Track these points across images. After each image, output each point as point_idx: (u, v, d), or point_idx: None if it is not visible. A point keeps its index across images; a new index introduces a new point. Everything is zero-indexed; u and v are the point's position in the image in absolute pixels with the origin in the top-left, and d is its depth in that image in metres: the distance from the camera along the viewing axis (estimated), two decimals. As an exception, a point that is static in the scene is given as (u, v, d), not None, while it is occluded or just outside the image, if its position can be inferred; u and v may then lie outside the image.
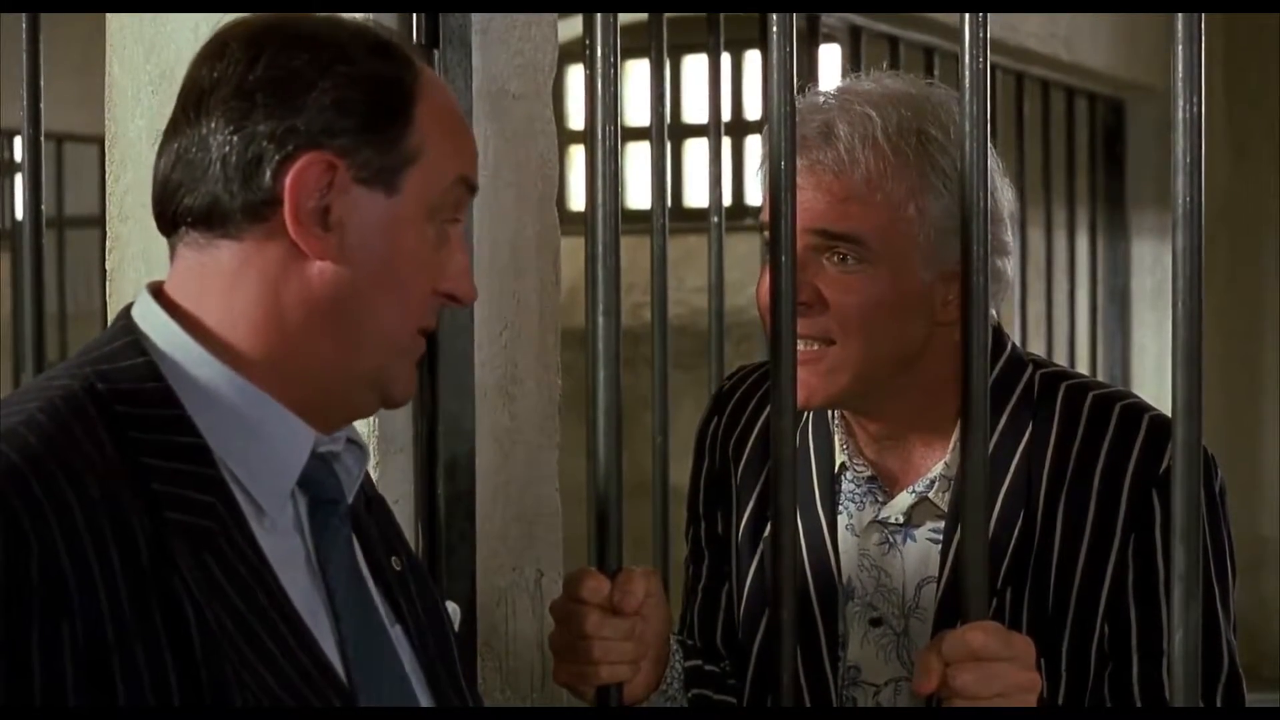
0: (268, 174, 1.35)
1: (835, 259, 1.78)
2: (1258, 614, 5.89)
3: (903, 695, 1.86)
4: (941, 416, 1.85)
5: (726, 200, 2.97)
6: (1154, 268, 5.20)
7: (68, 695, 1.20)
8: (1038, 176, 4.27)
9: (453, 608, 1.62)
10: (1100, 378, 4.33)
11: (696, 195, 7.03)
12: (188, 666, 1.24)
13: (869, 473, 1.89)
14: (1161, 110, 4.85)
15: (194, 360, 1.36)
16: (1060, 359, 4.39)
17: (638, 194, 6.53)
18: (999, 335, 1.89)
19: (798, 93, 1.73)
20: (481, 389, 2.00)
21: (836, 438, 1.91)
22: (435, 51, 1.94)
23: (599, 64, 1.72)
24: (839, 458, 1.90)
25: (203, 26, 1.95)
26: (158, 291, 1.40)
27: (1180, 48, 1.52)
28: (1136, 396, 1.89)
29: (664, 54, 2.69)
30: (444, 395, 1.94)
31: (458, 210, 1.44)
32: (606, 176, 1.73)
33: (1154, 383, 5.01)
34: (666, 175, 2.71)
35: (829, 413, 1.92)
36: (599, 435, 1.73)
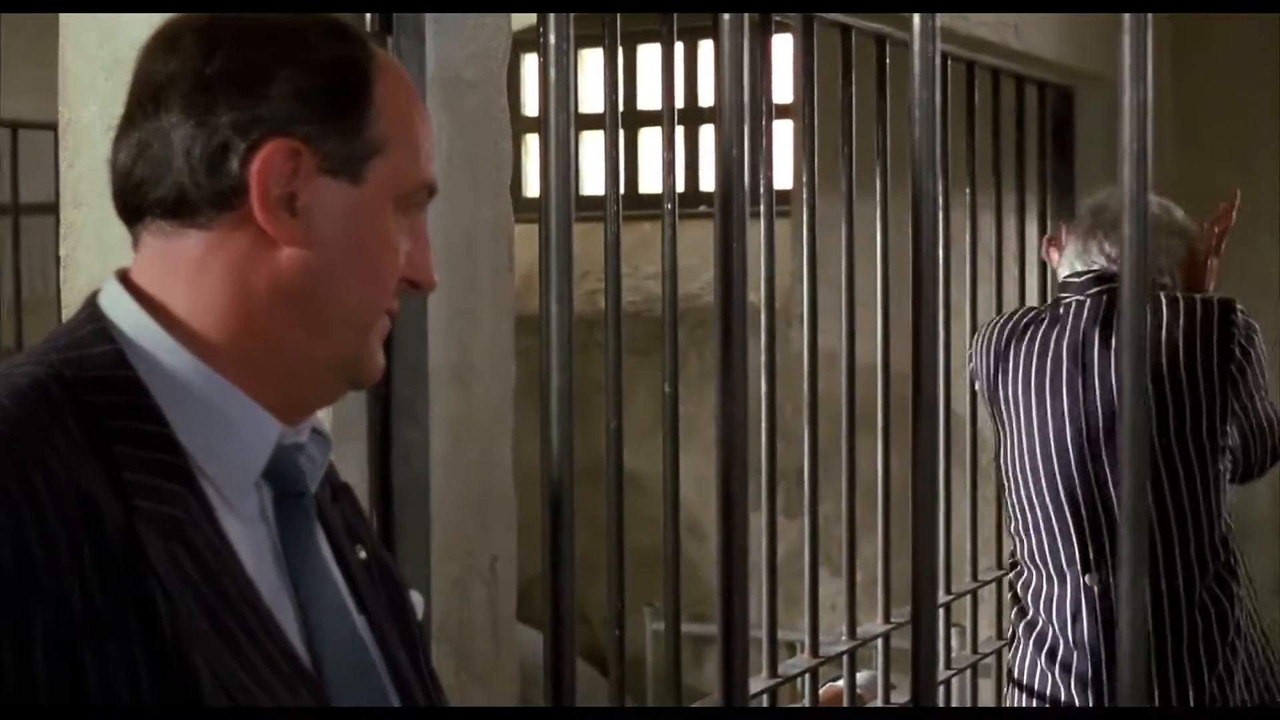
0: (234, 162, 1.35)
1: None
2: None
3: None
4: None
5: (680, 187, 2.98)
6: (1104, 254, 5.21)
7: (39, 684, 1.20)
8: (988, 163, 4.30)
9: (417, 597, 1.62)
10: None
11: (652, 182, 7.04)
12: (158, 656, 1.24)
13: None
14: (1110, 98, 4.87)
15: (162, 349, 1.35)
16: (1011, 345, 4.43)
17: (594, 181, 6.54)
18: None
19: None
20: (436, 375, 2.01)
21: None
22: (389, 38, 1.95)
23: (552, 52, 1.73)
24: None
25: (159, 15, 1.95)
26: (124, 278, 1.40)
27: (1127, 36, 1.54)
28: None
29: (618, 42, 2.70)
30: (398, 381, 1.95)
31: (420, 205, 1.46)
32: (559, 164, 1.74)
33: (1104, 368, 5.03)
34: (620, 162, 2.72)
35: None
36: (552, 421, 1.74)
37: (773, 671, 3.29)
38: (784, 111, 4.82)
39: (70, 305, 1.98)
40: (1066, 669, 3.41)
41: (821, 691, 3.55)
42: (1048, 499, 3.43)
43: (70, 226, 2.08)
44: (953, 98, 3.90)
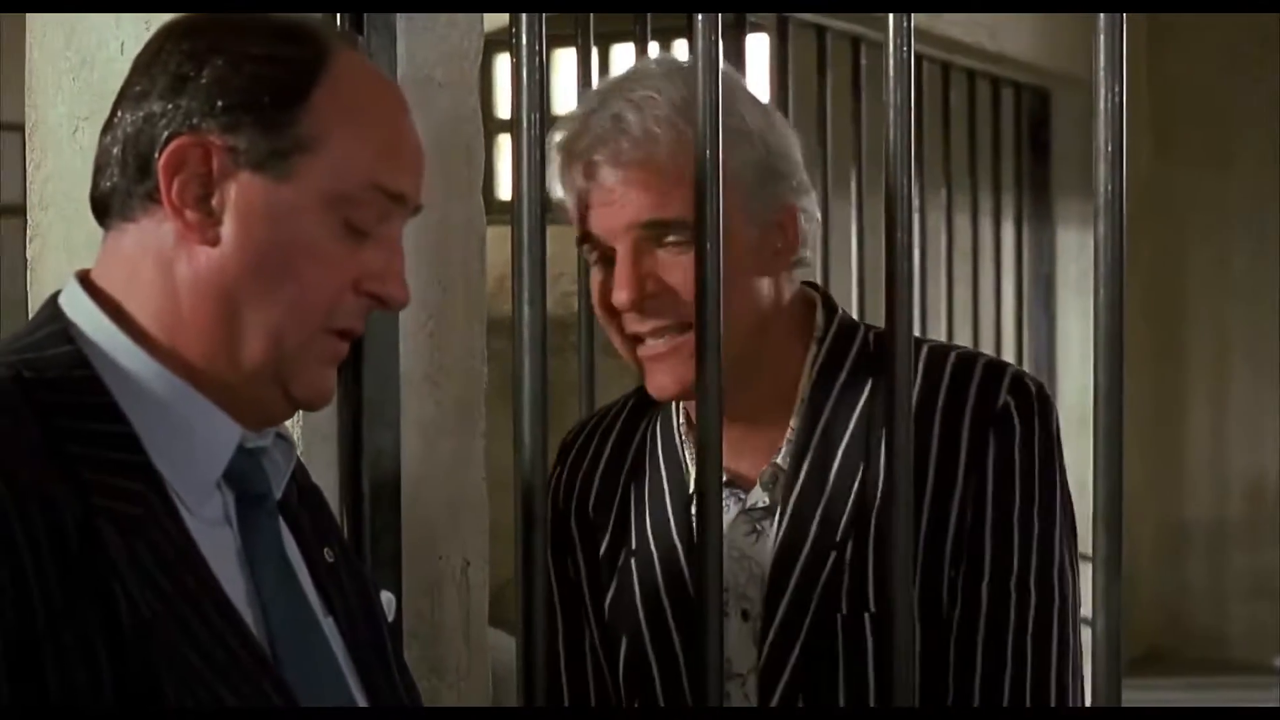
0: (155, 156, 1.35)
1: (667, 244, 1.78)
2: (1181, 597, 5.94)
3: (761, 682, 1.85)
4: (784, 380, 1.88)
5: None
6: (1079, 255, 5.23)
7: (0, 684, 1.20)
8: (964, 165, 4.30)
9: (388, 598, 1.62)
10: (1025, 364, 4.36)
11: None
12: (118, 653, 1.24)
13: (725, 477, 1.78)
14: (1086, 99, 4.88)
15: (119, 350, 1.35)
16: (986, 345, 4.42)
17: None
18: (828, 303, 1.95)
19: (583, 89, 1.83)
20: (407, 378, 2.00)
21: (687, 454, 1.92)
22: (359, 39, 1.93)
23: (524, 52, 1.72)
24: (692, 472, 1.89)
25: (124, 14, 1.94)
26: (85, 279, 1.40)
27: (1102, 37, 1.53)
28: (969, 348, 1.94)
29: (591, 42, 2.69)
30: (369, 384, 1.93)
31: (381, 216, 1.40)
32: (532, 165, 1.73)
33: (1079, 369, 5.05)
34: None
35: (676, 433, 1.94)
36: (524, 423, 1.73)
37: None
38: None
39: (38, 307, 1.97)
40: None
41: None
42: None
43: (37, 228, 2.06)
44: (928, 99, 3.90)
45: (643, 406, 1.99)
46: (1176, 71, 5.26)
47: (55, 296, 1.40)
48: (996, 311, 4.57)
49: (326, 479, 1.92)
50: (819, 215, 1.93)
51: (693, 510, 1.87)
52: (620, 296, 1.77)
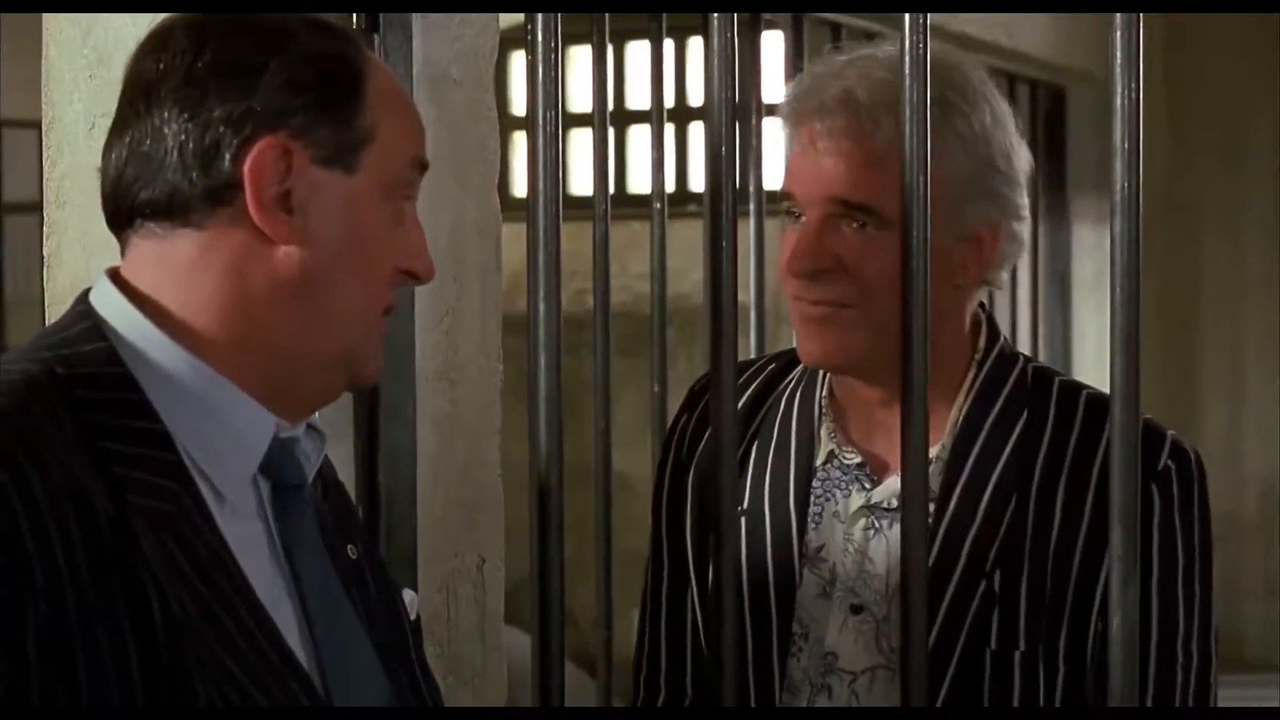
0: (227, 159, 1.34)
1: (854, 225, 1.81)
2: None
3: (879, 683, 1.84)
4: (939, 396, 1.83)
5: (669, 186, 2.97)
6: (1094, 252, 5.23)
7: (31, 679, 1.20)
8: (979, 162, 4.30)
9: (410, 596, 1.62)
10: (1041, 360, 4.35)
11: (640, 181, 7.02)
12: (150, 651, 1.24)
13: (857, 459, 1.88)
14: (1102, 97, 4.87)
15: (154, 345, 1.35)
16: (1002, 344, 4.42)
17: (582, 180, 6.52)
18: (992, 326, 1.95)
19: (815, 57, 1.90)
20: (422, 375, 2.00)
21: (824, 428, 1.91)
22: (375, 36, 1.93)
23: (540, 50, 1.72)
24: (826, 446, 1.90)
25: (141, 13, 1.94)
26: (115, 277, 1.40)
27: (1118, 34, 1.53)
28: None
29: (606, 40, 2.69)
30: (385, 381, 1.93)
31: (411, 189, 1.45)
32: (547, 163, 1.73)
33: (1094, 366, 5.04)
34: (609, 161, 2.71)
35: (816, 401, 1.93)
36: (540, 421, 1.73)
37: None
38: (774, 110, 4.82)
39: (54, 304, 1.97)
40: None
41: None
42: None
43: (54, 225, 2.06)
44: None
45: (784, 371, 1.99)
46: (1193, 69, 5.25)
47: (86, 294, 1.40)
48: (1012, 309, 4.56)
49: (342, 476, 1.92)
50: (1025, 237, 1.92)
51: (814, 483, 1.89)
52: (793, 264, 1.81)
